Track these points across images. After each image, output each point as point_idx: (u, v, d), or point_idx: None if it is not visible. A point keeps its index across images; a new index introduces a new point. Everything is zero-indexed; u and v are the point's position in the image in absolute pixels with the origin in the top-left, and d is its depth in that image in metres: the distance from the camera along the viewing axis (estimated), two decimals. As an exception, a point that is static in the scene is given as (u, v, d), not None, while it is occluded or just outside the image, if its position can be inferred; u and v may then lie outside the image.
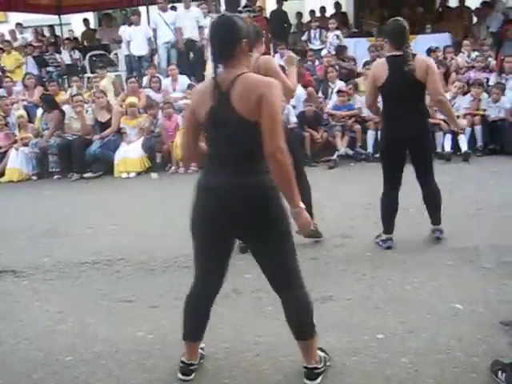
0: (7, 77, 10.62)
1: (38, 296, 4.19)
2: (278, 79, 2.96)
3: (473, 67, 9.08)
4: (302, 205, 2.59)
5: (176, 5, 11.85)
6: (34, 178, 8.54)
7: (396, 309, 3.58)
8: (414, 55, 4.30)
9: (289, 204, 2.60)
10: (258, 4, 12.45)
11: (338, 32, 10.99)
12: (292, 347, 3.18)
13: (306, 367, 2.87)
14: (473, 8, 12.10)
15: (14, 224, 6.05)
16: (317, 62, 10.60)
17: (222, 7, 11.71)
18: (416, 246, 4.60)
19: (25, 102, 9.97)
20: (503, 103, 8.00)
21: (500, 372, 2.76)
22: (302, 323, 2.84)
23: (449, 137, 7.81)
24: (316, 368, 2.86)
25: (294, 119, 8.11)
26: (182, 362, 3.01)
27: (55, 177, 8.38)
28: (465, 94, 8.30)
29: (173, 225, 5.27)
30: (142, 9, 11.91)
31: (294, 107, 8.42)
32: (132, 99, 8.74)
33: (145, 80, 10.12)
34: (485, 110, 8.05)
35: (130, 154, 8.34)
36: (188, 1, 10.81)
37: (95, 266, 4.70)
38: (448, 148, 7.73)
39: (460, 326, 3.32)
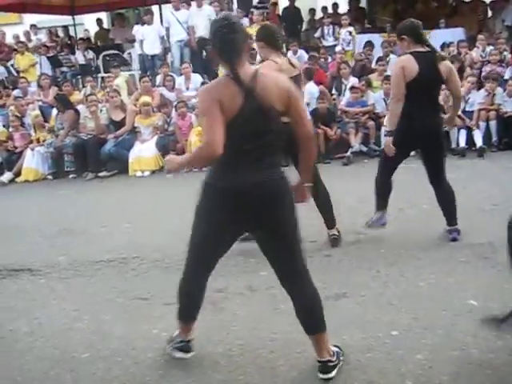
0: (22, 77, 10.72)
1: (55, 294, 4.24)
2: None
3: (488, 62, 8.98)
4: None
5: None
6: (50, 177, 8.63)
7: (410, 305, 3.57)
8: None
9: (305, 178, 2.94)
10: (271, 1, 12.48)
11: (350, 28, 10.95)
12: (307, 344, 3.19)
13: (319, 361, 2.88)
14: (487, 1, 11.98)
15: (30, 223, 6.12)
16: (330, 59, 10.57)
17: (235, 5, 11.74)
18: (430, 242, 4.58)
19: (40, 103, 10.06)
20: (518, 97, 7.93)
21: None
22: (312, 317, 2.89)
23: (463, 132, 7.75)
24: (330, 361, 2.88)
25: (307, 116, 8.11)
26: (182, 340, 3.15)
27: (70, 176, 8.46)
28: (479, 88, 8.23)
29: (187, 223, 5.26)
30: (155, 8, 11.94)
31: (307, 104, 8.40)
32: (146, 98, 8.79)
33: (158, 79, 10.16)
34: (500, 104, 7.96)
35: (144, 152, 8.39)
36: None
37: (110, 264, 4.74)
38: (463, 143, 7.67)
39: (475, 322, 3.30)
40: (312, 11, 13.61)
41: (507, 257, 2.98)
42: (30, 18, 15.37)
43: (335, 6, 13.25)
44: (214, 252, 2.94)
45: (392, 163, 4.58)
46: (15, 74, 11.80)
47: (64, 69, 12.06)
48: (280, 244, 2.78)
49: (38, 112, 9.27)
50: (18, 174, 8.76)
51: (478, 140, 7.68)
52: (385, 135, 4.76)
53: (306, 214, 5.55)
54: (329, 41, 11.48)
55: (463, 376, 2.81)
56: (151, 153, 8.42)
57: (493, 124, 7.86)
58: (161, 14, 11.80)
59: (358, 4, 13.36)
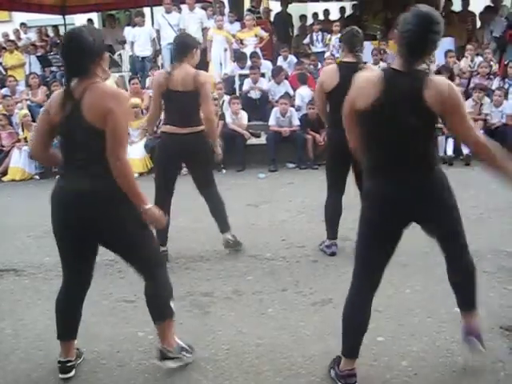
0: (11, 76, 10.63)
1: (40, 295, 4.20)
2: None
3: (477, 73, 9.06)
4: None
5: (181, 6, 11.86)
6: (37, 177, 8.55)
7: (396, 312, 3.59)
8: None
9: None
10: (264, 6, 12.51)
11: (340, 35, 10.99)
12: (293, 349, 3.20)
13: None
14: (477, 12, 12.11)
15: (16, 223, 6.07)
16: (319, 65, 10.61)
17: (227, 9, 11.75)
18: (417, 249, 4.59)
19: (28, 102, 9.98)
20: (505, 108, 8.00)
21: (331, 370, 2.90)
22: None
23: (451, 141, 7.81)
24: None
25: (296, 122, 8.13)
26: (59, 361, 3.09)
27: (57, 176, 8.37)
28: (467, 98, 8.30)
29: (174, 225, 5.27)
30: (146, 10, 11.92)
31: (298, 108, 8.44)
32: (135, 100, 8.76)
33: (148, 81, 10.14)
34: (487, 114, 8.04)
35: (132, 154, 8.32)
36: (192, 3, 10.85)
37: (96, 265, 4.66)
38: (450, 152, 7.73)
39: (460, 329, 3.31)
40: (303, 17, 13.68)
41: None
42: (20, 17, 15.28)
43: (326, 12, 13.34)
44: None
45: (335, 175, 4.69)
46: (3, 72, 11.70)
47: (53, 68, 11.99)
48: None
49: (26, 111, 9.19)
50: (4, 173, 8.68)
51: (465, 149, 7.74)
52: None
53: (294, 220, 5.60)
54: (318, 47, 11.53)
55: (448, 383, 2.82)
56: (139, 155, 8.39)
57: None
58: (152, 17, 11.78)
59: (344, 12, 13.45)
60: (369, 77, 2.66)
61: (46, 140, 2.95)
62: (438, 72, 8.77)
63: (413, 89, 2.48)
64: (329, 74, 4.46)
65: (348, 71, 3.79)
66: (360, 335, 2.79)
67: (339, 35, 10.82)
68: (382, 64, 9.52)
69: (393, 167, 2.64)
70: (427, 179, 2.71)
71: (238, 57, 9.97)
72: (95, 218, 2.81)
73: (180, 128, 4.39)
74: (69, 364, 3.10)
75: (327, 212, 4.74)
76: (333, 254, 4.66)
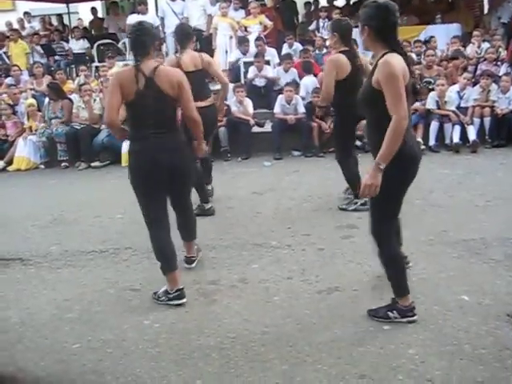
0: (15, 65, 10.60)
1: (45, 284, 4.21)
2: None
3: (484, 59, 8.97)
4: None
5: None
6: (42, 166, 8.55)
7: (403, 300, 3.57)
8: None
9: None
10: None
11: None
12: (298, 337, 3.19)
13: None
14: (484, -2, 12.01)
15: (21, 212, 6.07)
16: (324, 50, 10.50)
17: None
18: (423, 237, 4.58)
19: (33, 91, 9.96)
20: (512, 95, 7.93)
21: None
22: None
23: (458, 128, 7.75)
24: None
25: (302, 109, 8.07)
26: (177, 289, 3.69)
27: (62, 164, 8.38)
28: (474, 84, 8.23)
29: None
30: (150, -2, 11.87)
31: (302, 98, 8.38)
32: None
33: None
34: (494, 101, 7.96)
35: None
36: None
37: (102, 254, 4.72)
38: (456, 139, 7.67)
39: (467, 317, 3.30)
40: (308, 4, 13.56)
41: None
42: (24, 6, 15.23)
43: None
44: None
45: (349, 141, 5.38)
46: (7, 61, 11.68)
47: (57, 57, 11.95)
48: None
49: (32, 100, 9.16)
50: (9, 162, 8.67)
51: (472, 136, 7.68)
52: None
53: (299, 208, 5.58)
54: (324, 34, 11.42)
55: (455, 371, 2.81)
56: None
57: (487, 121, 7.86)
58: (156, 4, 11.72)
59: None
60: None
61: (118, 109, 3.66)
62: (453, 58, 8.70)
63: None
64: (340, 62, 5.06)
65: (354, 59, 4.58)
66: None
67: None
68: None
69: None
70: None
71: (240, 41, 9.91)
72: (176, 160, 3.62)
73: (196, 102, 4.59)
74: (183, 290, 3.73)
75: (351, 172, 5.25)
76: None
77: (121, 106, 3.65)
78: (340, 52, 5.15)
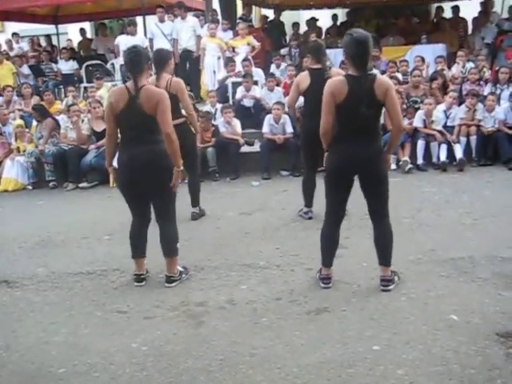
0: (9, 86, 10.56)
1: (32, 307, 4.16)
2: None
3: (468, 79, 9.08)
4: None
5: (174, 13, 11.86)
6: (30, 187, 8.49)
7: (391, 320, 3.56)
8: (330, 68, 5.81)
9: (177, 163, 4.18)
10: (257, 14, 12.55)
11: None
12: (287, 359, 3.17)
13: None
14: (468, 19, 12.19)
15: (8, 234, 6.02)
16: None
17: (219, 17, 11.77)
18: (411, 256, 4.59)
19: (21, 112, 9.93)
20: (498, 113, 8.02)
21: None
22: None
23: (444, 147, 7.82)
24: None
25: (290, 129, 8.10)
26: (135, 274, 4.39)
27: (51, 184, 8.34)
28: (460, 104, 8.32)
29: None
30: (139, 19, 11.91)
31: (290, 117, 8.41)
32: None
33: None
34: (480, 120, 8.05)
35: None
36: (184, 12, 10.86)
37: (90, 276, 4.68)
38: (443, 157, 7.73)
39: (456, 337, 3.30)
40: (296, 25, 13.70)
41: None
42: (13, 27, 15.25)
43: (313, 20, 13.26)
44: None
45: (309, 156, 5.68)
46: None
47: (46, 78, 11.95)
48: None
49: (20, 121, 9.14)
50: (-4, 183, 8.61)
51: (459, 154, 7.75)
52: None
53: (288, 228, 5.57)
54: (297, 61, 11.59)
55: (444, 392, 2.80)
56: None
57: (473, 139, 7.94)
58: (144, 26, 11.77)
59: (336, 20, 13.52)
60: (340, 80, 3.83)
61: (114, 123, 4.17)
62: (433, 78, 8.80)
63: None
64: (303, 77, 5.59)
65: (317, 75, 5.02)
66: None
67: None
68: (375, 70, 9.54)
69: None
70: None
71: (226, 61, 9.99)
72: (151, 172, 4.06)
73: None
74: (142, 276, 4.39)
75: (304, 185, 5.78)
76: (310, 218, 5.69)
77: (116, 120, 4.14)
78: (309, 69, 5.66)
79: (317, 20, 13.31)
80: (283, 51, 12.08)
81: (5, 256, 5.34)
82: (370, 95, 3.70)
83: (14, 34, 14.36)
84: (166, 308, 3.95)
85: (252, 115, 9.01)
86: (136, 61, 4.04)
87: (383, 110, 3.92)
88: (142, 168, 4.04)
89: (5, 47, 13.46)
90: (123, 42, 10.75)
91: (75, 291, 4.40)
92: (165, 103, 4.03)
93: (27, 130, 9.06)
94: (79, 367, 3.26)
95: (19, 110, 9.96)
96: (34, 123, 9.07)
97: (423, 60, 9.50)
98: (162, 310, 3.93)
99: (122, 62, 10.80)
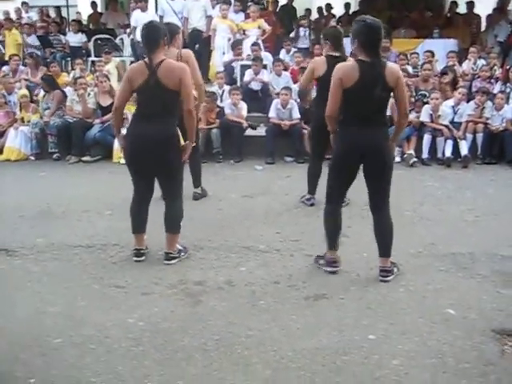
0: (16, 55, 10.49)
1: (30, 277, 4.17)
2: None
3: (478, 76, 9.03)
4: None
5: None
6: (32, 158, 8.47)
7: (388, 311, 3.57)
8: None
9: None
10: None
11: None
12: (283, 342, 3.18)
13: None
14: (482, 15, 12.08)
15: (9, 203, 6.01)
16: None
17: (231, -2, 11.66)
18: (412, 249, 4.59)
19: (27, 82, 9.88)
20: (506, 112, 7.97)
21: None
22: None
23: (450, 142, 7.79)
24: None
25: (297, 115, 8.06)
26: (135, 248, 4.38)
27: (54, 156, 8.31)
28: (468, 100, 8.28)
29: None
30: (150, -5, 11.80)
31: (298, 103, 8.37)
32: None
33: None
34: (488, 118, 8.02)
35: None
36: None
37: (89, 249, 4.68)
38: (449, 153, 7.70)
39: (452, 331, 3.31)
40: (308, 11, 13.59)
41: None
42: (22, -5, 15.10)
43: (328, 6, 13.24)
44: None
45: (316, 144, 5.67)
46: (3, 50, 11.58)
47: (54, 50, 11.87)
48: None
49: (25, 91, 9.07)
50: (-1, 152, 8.59)
51: (464, 151, 7.72)
52: None
53: (290, 214, 5.57)
54: (304, 43, 11.50)
55: (438, 384, 2.81)
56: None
57: (479, 137, 7.90)
58: (156, 2, 11.67)
59: (349, 8, 13.41)
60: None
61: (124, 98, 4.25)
62: (443, 73, 8.74)
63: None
64: (319, 64, 5.42)
65: (335, 64, 4.57)
66: None
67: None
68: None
69: None
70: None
71: (234, 44, 9.92)
72: (159, 152, 4.06)
73: None
74: (142, 251, 4.38)
75: (309, 172, 5.79)
76: (312, 205, 5.69)
77: (129, 95, 4.25)
78: (326, 56, 5.45)
79: (332, 8, 13.23)
80: (292, 34, 11.98)
81: (5, 225, 5.33)
82: (382, 80, 3.73)
83: (24, 3, 14.25)
84: (165, 285, 3.95)
85: (259, 99, 8.96)
86: (153, 36, 4.08)
87: (389, 102, 4.01)
88: (151, 147, 4.05)
89: (14, 15, 13.35)
90: (134, 17, 10.68)
91: (74, 263, 4.41)
92: (187, 78, 4.06)
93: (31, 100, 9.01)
94: (75, 338, 3.27)
95: (25, 79, 9.91)
96: (42, 93, 9.03)
97: (433, 55, 9.43)
98: (160, 287, 3.94)
99: (132, 37, 10.76)
